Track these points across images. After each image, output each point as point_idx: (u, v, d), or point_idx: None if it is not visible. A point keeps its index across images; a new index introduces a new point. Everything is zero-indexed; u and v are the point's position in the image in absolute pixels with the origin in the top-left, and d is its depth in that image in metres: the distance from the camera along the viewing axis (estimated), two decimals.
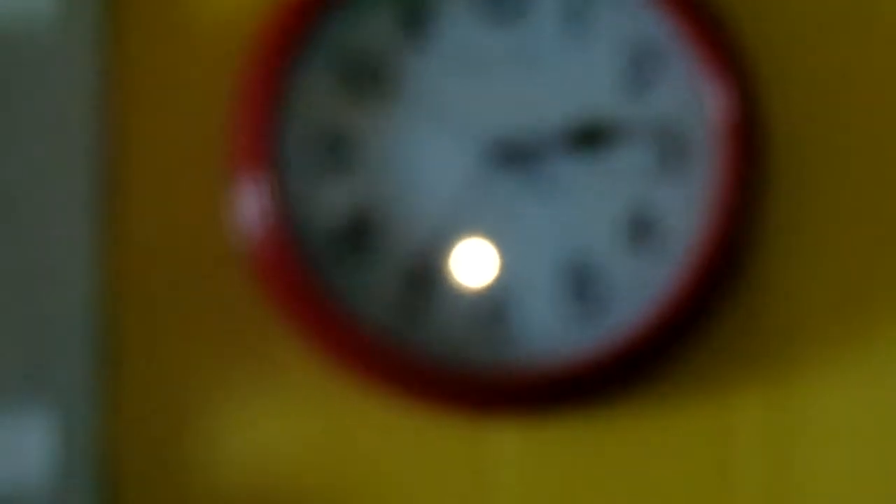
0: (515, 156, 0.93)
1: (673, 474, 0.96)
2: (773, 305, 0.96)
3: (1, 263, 0.92)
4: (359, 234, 0.93)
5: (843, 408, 0.96)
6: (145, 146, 0.96)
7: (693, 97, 0.93)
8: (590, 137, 0.93)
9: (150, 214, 0.96)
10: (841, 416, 0.96)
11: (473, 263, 0.94)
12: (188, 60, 0.96)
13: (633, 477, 0.96)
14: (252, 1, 0.95)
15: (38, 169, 0.92)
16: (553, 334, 0.93)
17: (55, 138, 0.92)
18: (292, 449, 0.95)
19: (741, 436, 0.95)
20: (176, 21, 0.96)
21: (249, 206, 0.92)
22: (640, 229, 0.93)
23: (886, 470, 0.96)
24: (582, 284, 0.93)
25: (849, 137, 0.97)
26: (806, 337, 0.96)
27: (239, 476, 0.95)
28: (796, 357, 0.96)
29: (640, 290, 0.93)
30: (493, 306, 0.93)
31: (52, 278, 0.93)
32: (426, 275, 0.93)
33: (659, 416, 0.96)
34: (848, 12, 0.97)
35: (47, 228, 0.93)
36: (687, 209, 0.93)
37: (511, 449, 0.95)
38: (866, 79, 0.97)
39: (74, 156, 0.93)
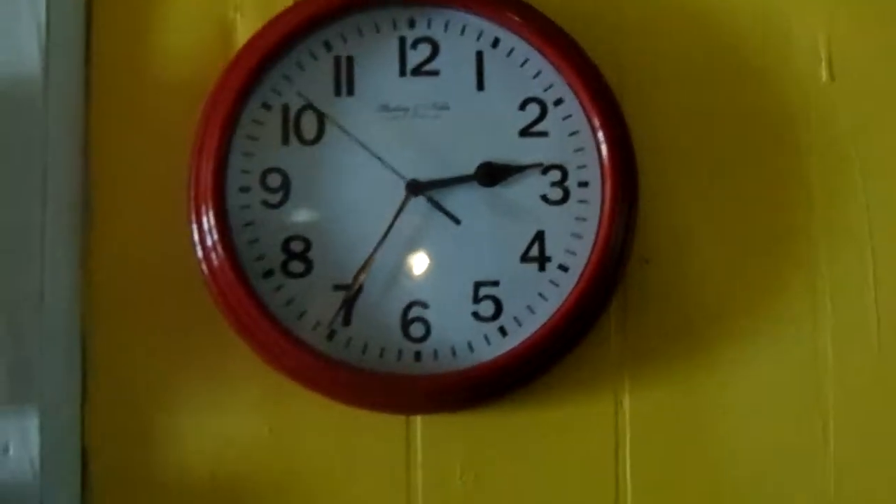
0: (430, 190, 1.02)
1: (572, 458, 1.05)
2: (650, 314, 1.06)
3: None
4: (293, 259, 1.02)
5: (714, 397, 1.06)
6: (116, 187, 1.06)
7: (581, 141, 1.04)
8: (492, 175, 1.03)
9: (120, 244, 1.05)
10: (711, 404, 1.06)
11: (395, 285, 1.02)
12: (153, 114, 1.06)
13: (539, 463, 1.05)
14: (206, 63, 1.05)
15: (25, 203, 0.99)
16: (466, 343, 1.02)
17: (40, 179, 1.00)
18: (242, 445, 1.04)
19: (629, 423, 1.05)
20: (143, 81, 1.07)
21: (202, 236, 1.01)
22: (539, 252, 1.03)
23: (748, 446, 1.06)
24: (489, 299, 1.03)
25: (706, 163, 1.08)
26: (679, 338, 1.06)
27: (196, 467, 1.04)
28: (672, 355, 1.06)
29: (541, 302, 1.02)
30: (413, 320, 1.02)
31: (35, 298, 0.99)
32: (354, 294, 1.02)
33: (559, 410, 1.05)
34: (704, 71, 1.09)
35: (35, 259, 1.00)
36: (575, 237, 1.03)
37: (433, 443, 1.04)
38: (717, 120, 1.08)
39: (57, 193, 1.01)
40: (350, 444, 1.05)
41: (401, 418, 1.04)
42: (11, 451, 0.99)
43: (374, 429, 1.04)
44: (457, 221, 1.03)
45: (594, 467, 1.05)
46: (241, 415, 1.05)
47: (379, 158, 1.03)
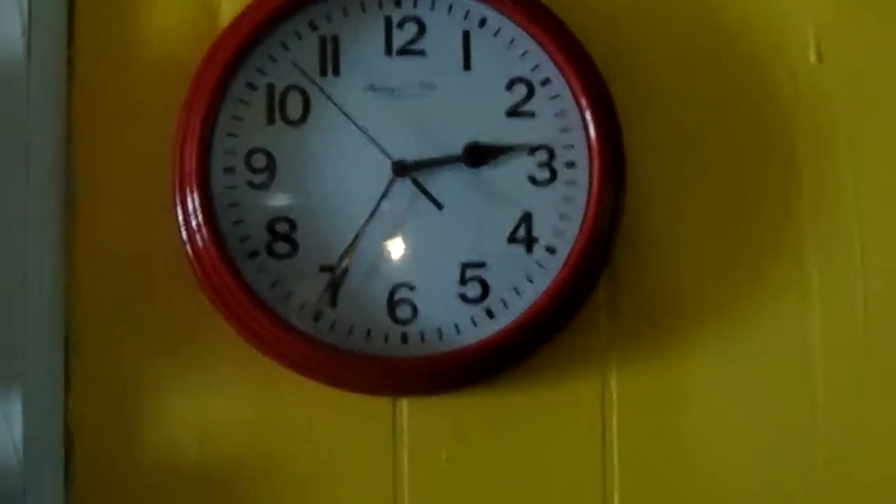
0: (417, 171, 1.02)
1: (559, 439, 1.05)
2: (637, 296, 1.06)
3: None
4: (279, 240, 1.02)
5: (701, 379, 1.06)
6: (99, 168, 1.05)
7: (568, 122, 1.03)
8: (478, 156, 1.03)
9: (103, 226, 1.04)
10: (699, 385, 1.06)
11: (381, 266, 1.02)
12: (136, 95, 1.05)
13: (525, 445, 1.05)
14: (190, 43, 1.04)
15: (7, 186, 0.98)
16: (453, 325, 1.02)
17: (22, 161, 0.99)
18: (227, 428, 1.04)
19: (617, 404, 1.05)
20: (127, 61, 1.06)
21: (186, 217, 1.01)
22: (525, 233, 1.03)
23: (737, 426, 1.06)
24: (476, 281, 1.02)
25: (694, 144, 1.08)
26: (666, 319, 1.06)
27: (181, 450, 1.03)
28: (659, 337, 1.06)
29: (528, 284, 1.03)
30: (399, 302, 1.02)
31: (20, 284, 0.98)
32: (340, 276, 1.02)
33: (546, 391, 1.05)
34: (692, 54, 1.08)
35: (18, 242, 0.99)
36: (562, 218, 1.03)
37: (419, 425, 1.04)
38: (704, 102, 1.08)
39: (39, 175, 1.00)
40: (336, 427, 1.04)
41: (387, 400, 1.04)
42: None
43: (361, 411, 1.04)
44: (439, 206, 1.03)
45: (581, 449, 1.05)
46: (225, 398, 1.04)
47: (367, 137, 1.02)
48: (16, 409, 0.98)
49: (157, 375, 1.04)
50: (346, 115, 1.02)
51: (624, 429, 1.05)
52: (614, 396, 1.05)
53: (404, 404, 1.05)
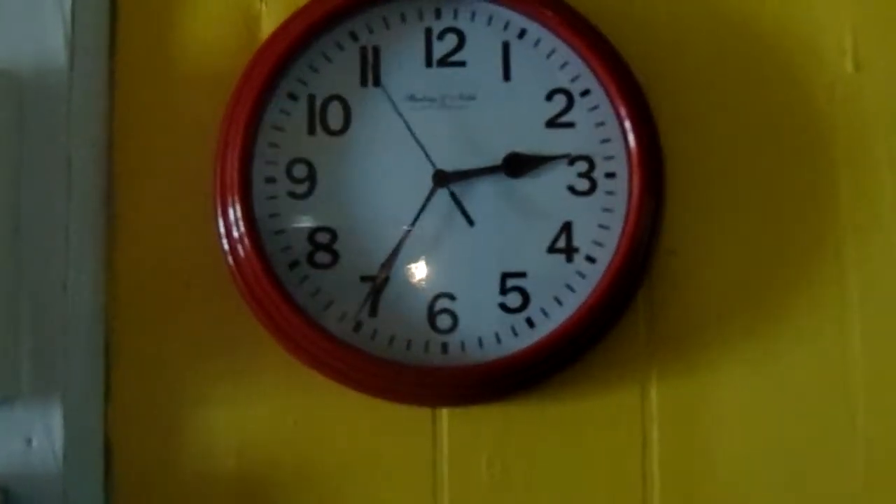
0: (457, 181, 1.03)
1: (599, 449, 1.05)
2: (677, 306, 1.06)
3: (22, 279, 0.99)
4: (319, 250, 1.03)
5: (741, 390, 1.06)
6: (141, 179, 1.06)
7: (608, 132, 1.04)
8: (519, 166, 1.03)
9: (144, 236, 1.05)
10: (739, 397, 1.06)
11: (422, 276, 1.03)
12: (177, 106, 1.06)
13: (565, 454, 1.05)
14: (231, 55, 1.05)
15: (49, 195, 1.00)
16: (494, 335, 1.02)
17: (65, 170, 1.00)
18: (266, 437, 1.04)
19: (657, 414, 1.05)
20: (168, 73, 1.07)
21: (228, 227, 1.02)
22: (566, 243, 1.03)
23: (776, 438, 1.06)
24: (517, 291, 1.03)
25: (732, 155, 1.08)
26: (706, 330, 1.06)
27: (220, 459, 1.04)
28: (699, 347, 1.06)
29: (568, 293, 1.03)
30: (440, 312, 1.03)
31: (61, 293, 1.00)
32: (380, 286, 1.02)
33: (586, 402, 1.05)
34: (729, 63, 1.09)
35: (59, 251, 1.00)
36: (602, 228, 1.03)
37: (459, 435, 1.04)
38: (742, 112, 1.08)
39: (81, 185, 1.02)
40: (376, 437, 1.04)
41: (427, 410, 1.04)
42: (35, 444, 0.99)
43: (401, 421, 1.04)
44: (471, 222, 1.03)
45: (621, 459, 1.05)
46: (265, 407, 1.04)
47: (412, 145, 1.03)
48: (56, 417, 0.99)
49: (196, 385, 1.04)
50: (400, 114, 1.03)
51: (664, 439, 1.05)
52: (654, 406, 1.05)
53: (444, 414, 1.05)
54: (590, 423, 1.05)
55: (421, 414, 1.04)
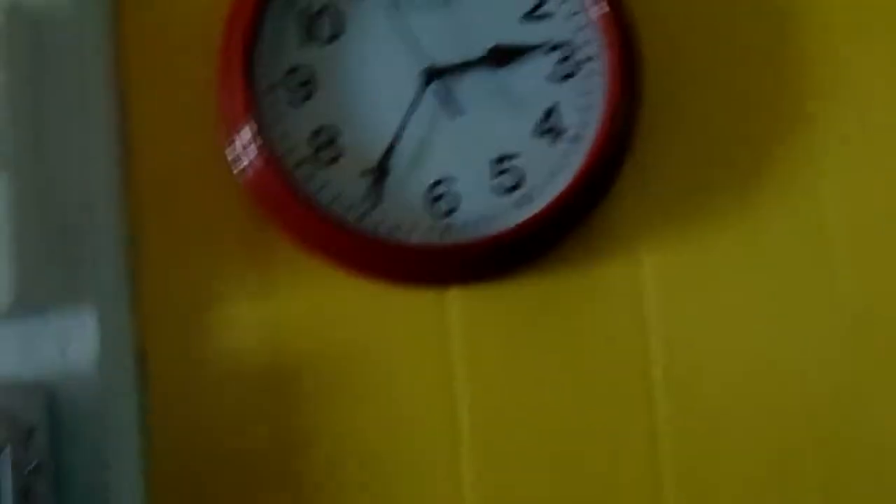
0: (446, 75, 1.09)
1: (595, 321, 1.10)
2: (657, 182, 1.12)
3: (50, 200, 1.05)
4: (324, 147, 1.09)
5: (723, 258, 1.11)
6: (153, 94, 1.12)
7: (584, 21, 1.10)
8: (503, 57, 1.09)
9: (161, 148, 1.11)
10: (721, 264, 1.11)
11: (420, 164, 1.09)
12: (181, 28, 1.12)
13: (562, 328, 1.10)
14: None
15: (67, 122, 1.06)
16: (492, 212, 1.08)
17: (78, 95, 1.07)
18: (284, 326, 1.09)
19: (649, 284, 1.11)
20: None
21: (237, 135, 1.08)
22: (553, 124, 1.09)
23: (759, 303, 1.11)
24: (510, 171, 1.09)
25: (705, 49, 1.13)
26: (686, 203, 1.11)
27: (245, 353, 1.09)
28: (682, 218, 1.11)
29: (554, 174, 1.09)
30: (439, 196, 1.09)
31: (89, 208, 1.06)
32: (381, 175, 1.09)
33: (580, 276, 1.11)
34: None
35: (84, 169, 1.06)
36: (585, 108, 1.09)
37: (466, 312, 1.10)
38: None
39: (100, 110, 1.09)
40: (387, 320, 1.10)
41: (435, 291, 1.10)
42: (70, 353, 1.04)
43: (411, 302, 1.09)
44: (461, 111, 1.09)
45: (622, 324, 1.10)
46: (282, 299, 1.10)
47: (403, 46, 1.09)
48: (90, 324, 1.04)
49: (219, 287, 1.10)
50: (389, 18, 1.09)
51: (662, 303, 1.10)
52: (642, 275, 1.10)
53: (451, 295, 1.10)
54: (590, 295, 1.10)
55: (429, 295, 1.10)
